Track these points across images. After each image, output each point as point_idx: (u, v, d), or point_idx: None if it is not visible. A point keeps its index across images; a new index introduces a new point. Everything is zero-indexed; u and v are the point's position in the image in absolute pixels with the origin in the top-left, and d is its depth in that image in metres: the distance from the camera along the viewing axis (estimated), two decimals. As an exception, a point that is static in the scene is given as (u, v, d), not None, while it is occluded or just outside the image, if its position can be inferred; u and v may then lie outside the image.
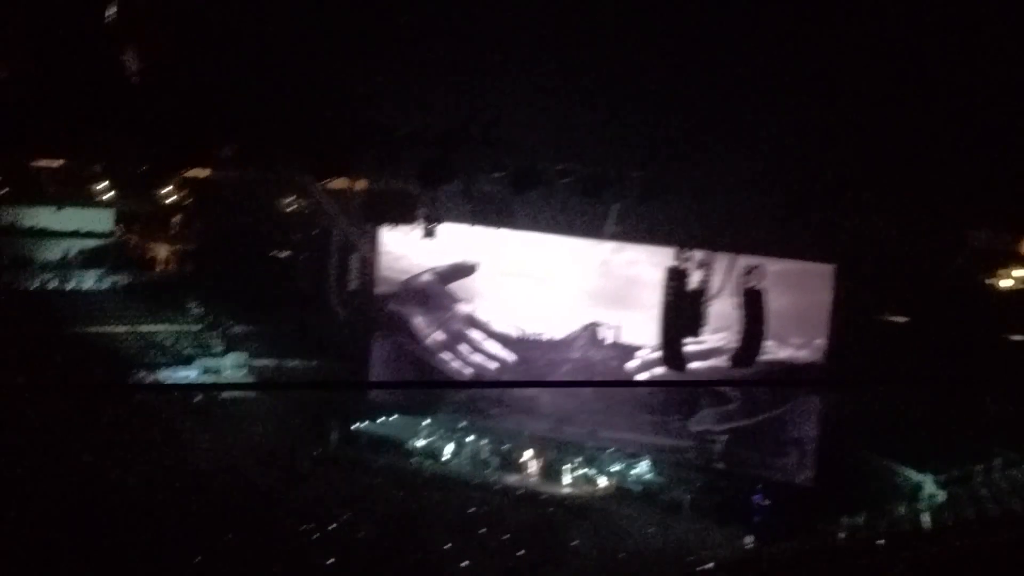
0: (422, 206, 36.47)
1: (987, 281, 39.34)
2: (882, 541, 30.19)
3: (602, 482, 37.49)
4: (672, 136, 32.10)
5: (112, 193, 48.76)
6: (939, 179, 31.85)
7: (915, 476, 34.63)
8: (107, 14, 31.19)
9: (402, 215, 37.02)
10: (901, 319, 37.99)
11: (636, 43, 29.55)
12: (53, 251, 47.43)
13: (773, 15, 27.54)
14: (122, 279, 47.05)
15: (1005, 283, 39.10)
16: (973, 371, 33.51)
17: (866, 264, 35.29)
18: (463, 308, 41.34)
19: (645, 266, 37.23)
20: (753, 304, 32.99)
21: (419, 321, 42.10)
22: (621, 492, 37.19)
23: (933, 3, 25.53)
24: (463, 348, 41.24)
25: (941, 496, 32.76)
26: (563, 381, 41.08)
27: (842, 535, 31.53)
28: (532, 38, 29.73)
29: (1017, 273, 38.99)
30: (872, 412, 33.28)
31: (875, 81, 28.53)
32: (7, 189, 46.19)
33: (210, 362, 43.31)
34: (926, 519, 31.05)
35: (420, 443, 40.10)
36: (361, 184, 43.94)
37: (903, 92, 28.56)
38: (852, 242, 35.22)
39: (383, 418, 42.36)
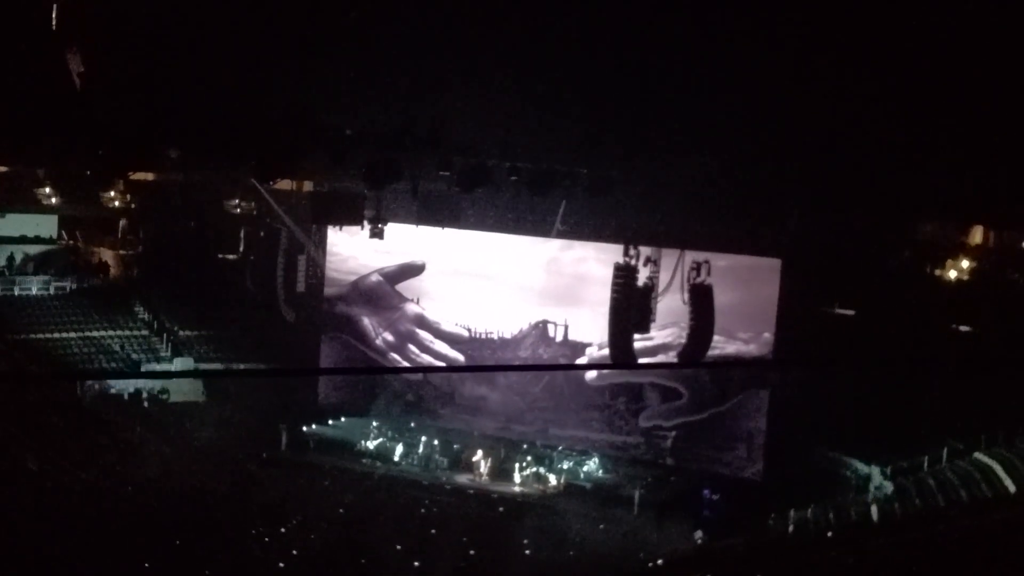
0: (369, 206, 36.36)
1: (933, 272, 39.69)
2: (831, 533, 30.42)
3: (552, 480, 37.47)
4: (619, 134, 32.20)
5: (56, 198, 48.21)
6: (883, 173, 32.14)
7: (863, 468, 34.89)
8: (49, 19, 30.86)
9: (349, 216, 36.89)
10: (848, 312, 38.25)
11: (582, 42, 29.61)
12: (-2, 257, 46.89)
13: (718, 16, 27.67)
14: (68, 284, 46.48)
15: (951, 274, 39.47)
16: (919, 362, 33.78)
17: (812, 258, 35.52)
18: (412, 308, 41.25)
19: (593, 263, 37.34)
20: (701, 299, 33.18)
21: (368, 322, 41.97)
22: (571, 489, 37.20)
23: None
24: (412, 348, 41.14)
25: (889, 488, 33.02)
26: (512, 365, 40.81)
27: (791, 528, 31.72)
28: (477, 38, 29.71)
29: (963, 264, 39.38)
30: (820, 406, 33.43)
31: (819, 78, 28.74)
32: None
33: (158, 367, 42.85)
34: (874, 511, 31.31)
35: (370, 445, 39.97)
36: (307, 185, 43.79)
37: (846, 88, 28.78)
38: (798, 236, 35.45)
39: (333, 420, 42.14)
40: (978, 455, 32.28)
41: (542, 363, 39.12)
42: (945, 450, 33.14)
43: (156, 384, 41.61)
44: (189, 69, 30.56)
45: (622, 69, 29.85)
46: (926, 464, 33.16)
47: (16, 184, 47.59)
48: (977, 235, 39.27)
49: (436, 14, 29.10)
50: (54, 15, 31.58)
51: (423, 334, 41.10)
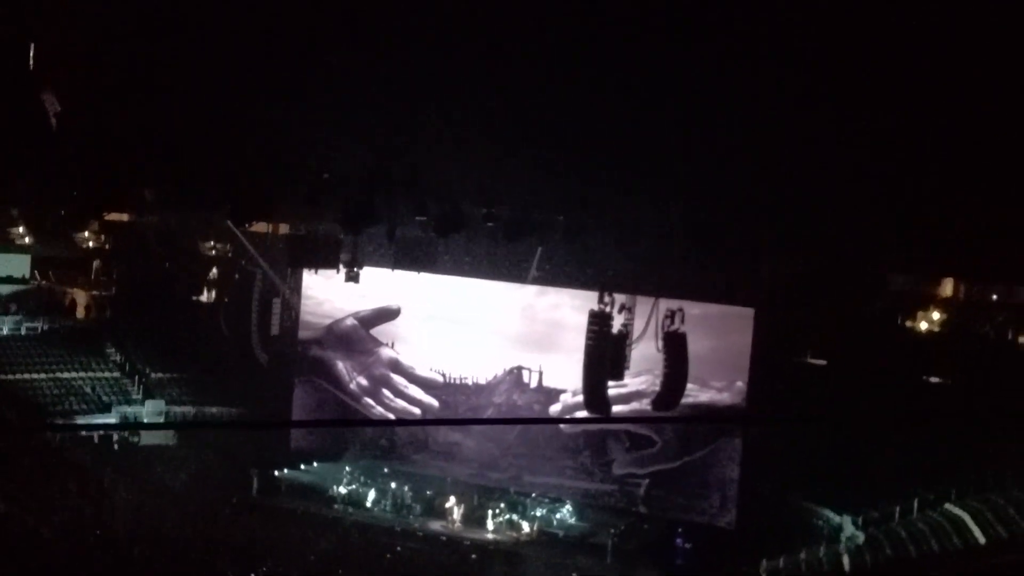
0: (345, 250, 36.38)
1: (905, 324, 39.99)
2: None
3: (525, 527, 37.30)
4: (594, 182, 32.37)
5: (30, 238, 48.05)
6: (856, 225, 32.41)
7: (835, 518, 34.93)
8: (26, 60, 30.90)
9: (325, 259, 36.88)
10: (820, 362, 38.44)
11: (560, 90, 29.81)
12: (-31, 297, 46.58)
13: (694, 67, 27.92)
14: (39, 324, 46.18)
15: (922, 326, 39.77)
16: (891, 413, 33.93)
17: (785, 308, 35.74)
18: (386, 352, 41.18)
19: (568, 310, 37.41)
20: (675, 347, 33.27)
21: (342, 366, 41.85)
22: (544, 537, 37.03)
23: (844, 49, 26.04)
24: (386, 393, 41.03)
25: (860, 537, 33.06)
26: (486, 419, 40.83)
27: (763, 577, 31.72)
28: (454, 84, 29.88)
29: (935, 316, 39.70)
30: (792, 455, 33.53)
31: (790, 127, 28.99)
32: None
33: (129, 409, 42.58)
34: (846, 561, 31.34)
35: (342, 490, 39.70)
36: (283, 228, 43.79)
37: (821, 140, 29.04)
38: (771, 286, 35.67)
39: (305, 465, 41.91)
40: (949, 506, 32.38)
41: (516, 415, 38.98)
42: (916, 501, 33.24)
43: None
44: (166, 111, 30.62)
45: (599, 118, 30.05)
46: (897, 514, 33.24)
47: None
48: (948, 287, 39.63)
49: (414, 60, 29.26)
50: (31, 56, 31.63)
51: (397, 379, 41.00)
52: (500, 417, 39.75)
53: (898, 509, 33.36)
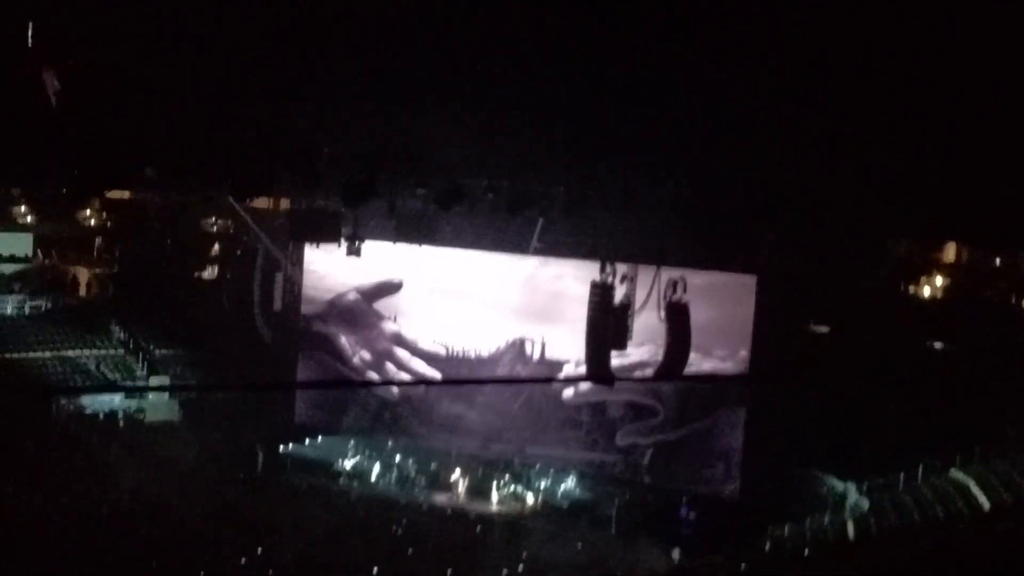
0: (346, 224, 36.31)
1: (908, 289, 39.91)
2: (807, 551, 30.45)
3: (529, 499, 37.38)
4: (594, 152, 32.26)
5: (32, 216, 48.06)
6: (858, 190, 32.29)
7: (839, 485, 34.96)
8: (25, 37, 30.77)
9: (326, 233, 36.80)
10: (823, 329, 38.38)
11: (559, 61, 29.67)
12: (-28, 276, 46.68)
13: (694, 36, 27.77)
14: (43, 303, 46.24)
15: (925, 291, 39.69)
16: (896, 379, 33.94)
17: (787, 275, 35.66)
18: (389, 326, 41.20)
19: (570, 280, 37.38)
20: (677, 317, 33.24)
21: (345, 340, 41.89)
22: (549, 508, 37.11)
23: (847, 17, 25.87)
24: (389, 366, 41.06)
25: (865, 504, 33.08)
26: (487, 379, 40.82)
27: (768, 546, 31.73)
28: (454, 56, 29.74)
29: (937, 281, 39.61)
30: (796, 423, 33.51)
31: (793, 93, 28.85)
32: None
33: (133, 386, 42.71)
34: (851, 528, 31.36)
35: (347, 464, 39.78)
36: (284, 203, 43.71)
37: (822, 104, 28.90)
38: (773, 254, 35.58)
39: (310, 439, 42.01)
40: (954, 472, 32.39)
41: (519, 386, 39.03)
42: (921, 467, 33.22)
43: (132, 404, 41.39)
44: (165, 87, 30.50)
45: (599, 87, 29.91)
46: (902, 481, 33.23)
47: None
48: (951, 252, 39.52)
49: (413, 32, 29.12)
50: (30, 33, 31.50)
51: (400, 352, 41.04)
52: (503, 388, 39.75)
53: (903, 476, 33.34)
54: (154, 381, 42.95)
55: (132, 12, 29.51)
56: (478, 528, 35.59)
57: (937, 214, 33.55)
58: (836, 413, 33.52)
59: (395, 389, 41.33)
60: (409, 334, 40.98)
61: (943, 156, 28.85)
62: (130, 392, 42.80)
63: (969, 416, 32.03)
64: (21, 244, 48.74)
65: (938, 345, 37.73)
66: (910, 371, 34.76)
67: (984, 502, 29.12)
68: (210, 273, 48.65)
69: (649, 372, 34.60)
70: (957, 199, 30.90)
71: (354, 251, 36.43)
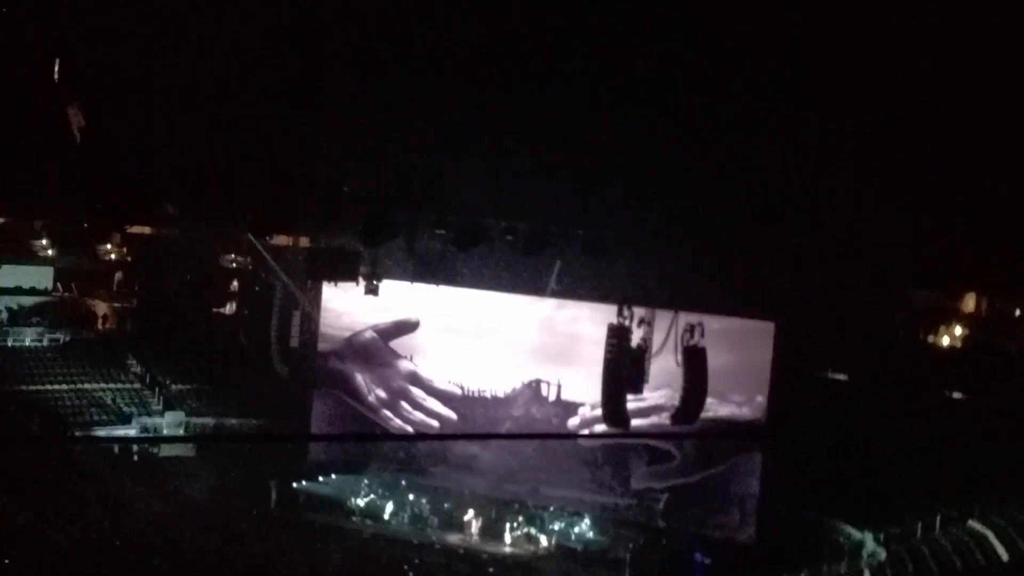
0: (365, 263, 36.41)
1: (927, 338, 39.73)
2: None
3: (543, 541, 37.19)
4: (614, 196, 32.34)
5: (53, 250, 48.34)
6: (877, 239, 32.27)
7: (856, 534, 34.71)
8: (51, 74, 31.10)
9: (345, 272, 36.89)
10: (841, 376, 38.24)
11: (579, 105, 29.82)
12: (-7, 308, 46.87)
13: (714, 81, 27.89)
14: (61, 336, 46.42)
15: (944, 341, 39.50)
16: (913, 428, 33.75)
17: (805, 322, 35.57)
18: (405, 365, 41.20)
19: (587, 323, 37.35)
20: (694, 361, 33.11)
21: (361, 378, 41.88)
22: (562, 551, 36.89)
23: (860, 67, 25.97)
24: (405, 405, 41.03)
25: (882, 554, 32.82)
26: (505, 434, 40.81)
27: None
28: (475, 99, 29.92)
29: (956, 331, 39.43)
30: (813, 470, 33.34)
31: (813, 144, 28.92)
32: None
33: (149, 421, 42.74)
34: (866, 577, 31.14)
35: (360, 502, 39.68)
36: (304, 241, 43.88)
37: (844, 154, 28.95)
38: (791, 300, 35.49)
39: (323, 477, 41.95)
40: (972, 523, 32.12)
41: (534, 428, 38.92)
42: (939, 517, 32.97)
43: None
44: (188, 125, 30.76)
45: (618, 132, 30.03)
46: (920, 531, 32.98)
47: (13, 235, 47.73)
48: (970, 302, 39.36)
49: (435, 75, 29.32)
50: (56, 70, 31.84)
51: (416, 391, 41.02)
52: (518, 431, 39.69)
53: (920, 525, 33.09)
54: (169, 416, 42.98)
55: (158, 51, 29.82)
56: (490, 569, 35.44)
57: (957, 264, 33.51)
58: (854, 461, 33.35)
59: (409, 428, 41.24)
60: (425, 373, 40.96)
61: (963, 207, 28.84)
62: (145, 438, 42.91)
63: (988, 466, 31.80)
64: (42, 277, 48.99)
65: (957, 395, 37.51)
66: (928, 420, 34.55)
67: (1003, 553, 28.87)
68: (228, 309, 48.77)
69: (665, 416, 34.46)
70: (977, 249, 30.85)
71: (372, 290, 36.54)
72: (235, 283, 48.20)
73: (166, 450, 41.42)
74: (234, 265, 48.69)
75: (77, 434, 40.83)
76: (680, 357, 33.39)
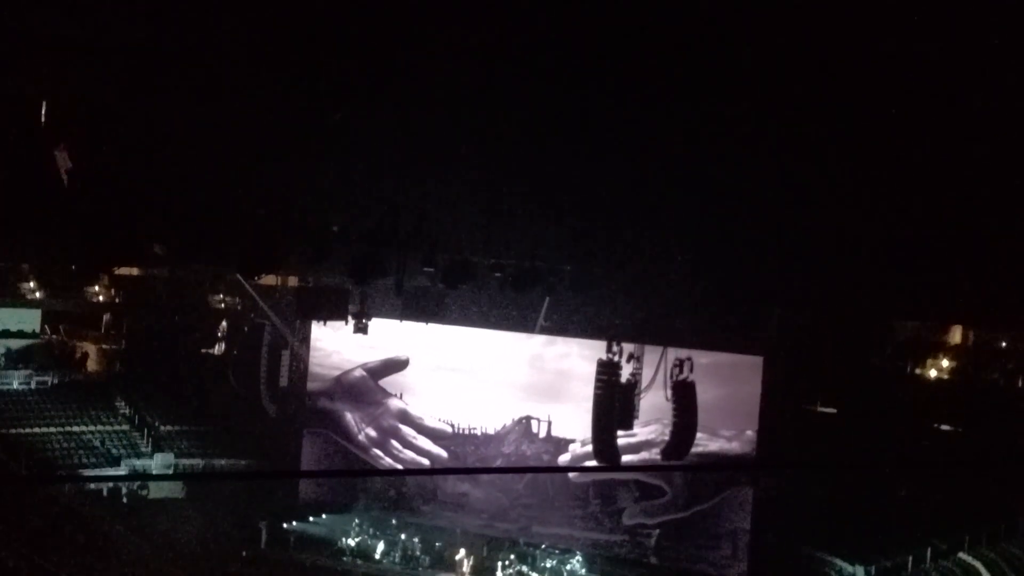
0: (353, 301, 36.43)
1: (915, 371, 39.86)
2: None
3: (535, 578, 37.13)
4: (601, 231, 32.42)
5: (40, 292, 48.29)
6: (864, 273, 32.38)
7: (847, 568, 34.67)
8: (38, 115, 31.12)
9: (334, 311, 36.91)
10: (830, 410, 38.32)
11: (567, 141, 29.93)
12: (-20, 350, 46.76)
13: (701, 118, 28.03)
14: (49, 378, 46.32)
15: (931, 373, 39.64)
16: (901, 461, 33.81)
17: (794, 356, 35.68)
18: (395, 403, 41.16)
19: (576, 359, 37.42)
20: (684, 396, 33.17)
21: (351, 417, 41.83)
22: (555, 589, 36.84)
23: (845, 106, 26.15)
24: (395, 444, 40.97)
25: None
26: (495, 468, 40.69)
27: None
28: (463, 136, 30.01)
29: (943, 363, 39.58)
30: (804, 504, 33.36)
31: (800, 179, 29.05)
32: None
33: (138, 463, 42.62)
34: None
35: (351, 542, 39.57)
36: (292, 280, 43.90)
37: (827, 189, 29.09)
38: (780, 334, 35.61)
39: (314, 517, 41.79)
40: (962, 555, 32.16)
41: (524, 464, 38.93)
42: (929, 550, 32.99)
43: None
44: (175, 165, 30.79)
45: (606, 169, 30.14)
46: (910, 564, 32.98)
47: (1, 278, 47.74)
48: (957, 334, 39.55)
49: (422, 111, 29.42)
50: (42, 112, 31.89)
51: (406, 429, 40.97)
52: (509, 467, 39.65)
53: (911, 559, 33.11)
54: (159, 457, 42.86)
55: (142, 91, 29.88)
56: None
57: (943, 296, 33.63)
58: (844, 495, 33.36)
59: (400, 466, 41.16)
60: (415, 411, 40.92)
61: (949, 239, 28.98)
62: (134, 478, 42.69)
63: (977, 499, 31.86)
64: (29, 319, 48.93)
65: (945, 427, 37.60)
66: (918, 453, 34.63)
67: (993, 586, 28.92)
68: (217, 349, 48.71)
69: (656, 451, 34.48)
70: (963, 282, 30.99)
71: (361, 328, 36.51)
72: (223, 323, 48.15)
73: (155, 492, 41.25)
74: (222, 305, 48.69)
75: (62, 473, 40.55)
76: (670, 392, 33.46)
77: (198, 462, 43.64)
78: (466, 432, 40.04)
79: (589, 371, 33.06)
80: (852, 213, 29.53)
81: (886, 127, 25.92)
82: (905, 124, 25.68)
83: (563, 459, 38.16)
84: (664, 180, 29.36)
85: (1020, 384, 38.79)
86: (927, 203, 28.59)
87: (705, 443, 34.36)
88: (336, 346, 41.89)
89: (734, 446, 35.19)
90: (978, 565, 30.88)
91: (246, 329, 43.46)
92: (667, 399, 33.55)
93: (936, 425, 37.56)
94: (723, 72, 24.66)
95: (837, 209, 29.34)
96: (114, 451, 42.88)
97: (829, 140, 27.42)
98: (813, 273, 32.67)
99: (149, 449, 43.51)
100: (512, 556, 38.01)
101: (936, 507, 33.28)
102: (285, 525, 40.71)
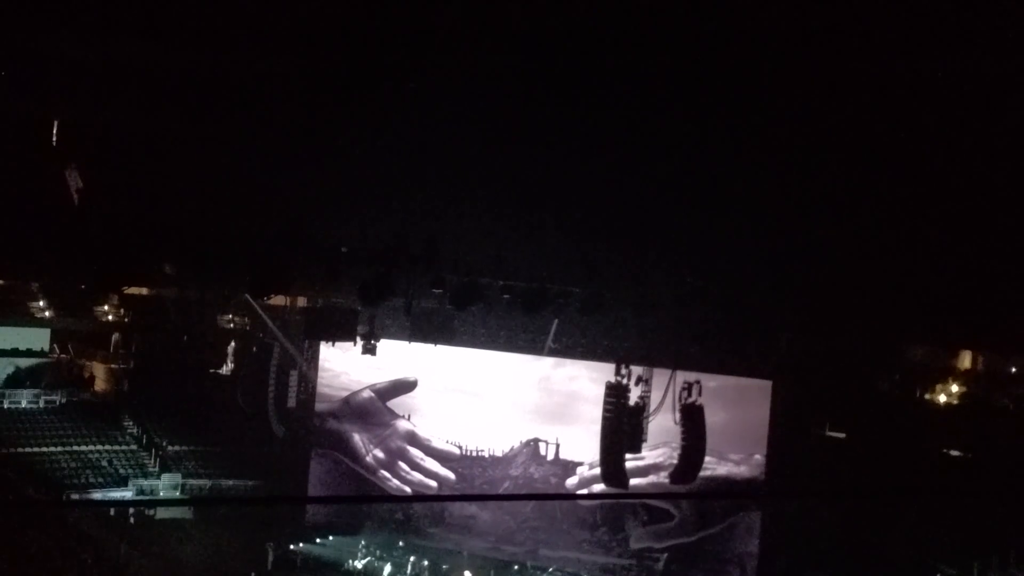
0: (362, 323, 36.45)
1: (924, 396, 39.73)
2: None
3: (542, 602, 37.04)
4: (611, 255, 32.42)
5: (50, 312, 48.37)
6: (873, 297, 32.34)
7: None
8: (50, 137, 31.28)
9: (342, 332, 36.92)
10: (838, 434, 38.19)
11: (577, 164, 29.95)
12: (-11, 370, 46.80)
13: (710, 141, 28.05)
14: (58, 397, 46.33)
15: (941, 399, 39.51)
16: (910, 485, 33.63)
17: (803, 380, 35.59)
18: (403, 425, 41.12)
19: (585, 382, 37.40)
20: (693, 419, 33.10)
21: (359, 438, 41.78)
22: (562, 612, 36.75)
23: (855, 129, 26.15)
24: (403, 465, 40.91)
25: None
26: (504, 495, 40.64)
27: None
28: (472, 157, 30.06)
29: (953, 389, 39.44)
30: (811, 530, 33.25)
31: (809, 204, 29.03)
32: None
33: (145, 483, 42.58)
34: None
35: (358, 564, 39.48)
36: (301, 301, 43.92)
37: (837, 213, 29.07)
38: (789, 359, 35.54)
39: (321, 539, 41.71)
40: (972, 581, 32.01)
41: (532, 487, 38.82)
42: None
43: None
44: (185, 187, 30.87)
45: (615, 192, 30.16)
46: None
47: (9, 297, 47.79)
48: (966, 360, 39.42)
49: (430, 134, 29.47)
50: (54, 132, 32.03)
51: (414, 451, 40.92)
52: (516, 490, 39.53)
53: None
54: (166, 478, 42.82)
55: (156, 113, 29.99)
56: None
57: (952, 321, 33.56)
58: (852, 520, 33.23)
59: (407, 488, 41.08)
60: (423, 433, 40.90)
61: (958, 264, 28.94)
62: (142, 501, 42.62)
63: (987, 525, 31.69)
64: (38, 339, 48.97)
65: (955, 452, 37.45)
66: (926, 478, 34.48)
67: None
68: (225, 369, 48.72)
69: (664, 475, 34.40)
70: (973, 307, 30.92)
71: (369, 349, 36.56)
72: (232, 344, 48.18)
73: (162, 512, 41.19)
74: (231, 325, 48.73)
75: (74, 497, 40.51)
76: (678, 415, 33.39)
77: (205, 482, 43.60)
78: (474, 454, 40.00)
79: (597, 393, 33.04)
80: (862, 238, 29.51)
81: (896, 152, 25.92)
82: (916, 149, 25.68)
83: (571, 482, 38.10)
84: (674, 204, 29.37)
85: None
86: (937, 228, 28.56)
87: (714, 467, 34.30)
88: (344, 367, 41.88)
89: (743, 470, 35.12)
90: (988, 591, 30.75)
91: (255, 349, 43.44)
92: (676, 422, 33.47)
93: (945, 450, 37.38)
94: (739, 98, 24.70)
95: (847, 234, 29.32)
96: (122, 471, 42.84)
97: (840, 167, 27.43)
98: (822, 297, 32.64)
99: (157, 469, 43.47)
100: (519, 579, 37.96)
101: (945, 533, 33.11)
102: (292, 547, 40.63)
